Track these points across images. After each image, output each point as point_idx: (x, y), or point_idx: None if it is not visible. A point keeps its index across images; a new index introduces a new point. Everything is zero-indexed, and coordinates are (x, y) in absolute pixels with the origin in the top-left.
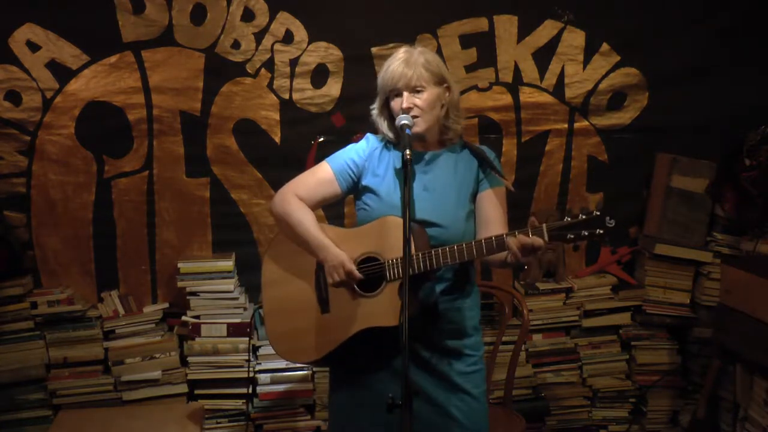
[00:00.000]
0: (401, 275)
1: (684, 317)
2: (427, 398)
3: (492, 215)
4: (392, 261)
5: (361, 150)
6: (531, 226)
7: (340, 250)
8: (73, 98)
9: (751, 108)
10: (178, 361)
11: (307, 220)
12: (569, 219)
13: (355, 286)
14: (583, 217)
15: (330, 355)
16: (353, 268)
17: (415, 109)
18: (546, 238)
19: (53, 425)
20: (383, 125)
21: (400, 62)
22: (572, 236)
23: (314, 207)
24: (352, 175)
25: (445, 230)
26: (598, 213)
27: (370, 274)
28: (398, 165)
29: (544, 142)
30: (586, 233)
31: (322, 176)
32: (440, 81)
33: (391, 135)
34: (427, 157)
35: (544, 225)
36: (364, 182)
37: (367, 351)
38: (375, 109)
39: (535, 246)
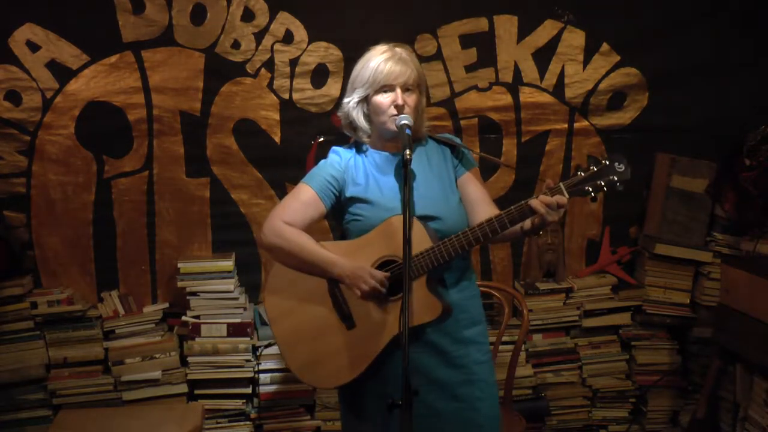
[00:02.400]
0: (425, 270)
1: (684, 317)
2: (451, 394)
3: (478, 196)
4: (413, 258)
5: (336, 164)
6: (548, 187)
7: (353, 261)
8: (73, 98)
9: (751, 108)
10: (178, 361)
11: (307, 243)
12: (582, 173)
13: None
14: (594, 168)
15: (366, 369)
16: (381, 275)
17: (406, 107)
18: (566, 194)
19: (53, 425)
20: (360, 118)
21: (395, 59)
22: (589, 188)
23: (303, 230)
24: (334, 191)
25: (444, 221)
26: (608, 162)
27: (391, 278)
28: (375, 169)
29: (544, 142)
30: (602, 183)
31: (306, 198)
32: (421, 84)
33: (367, 128)
34: (399, 156)
35: (561, 183)
36: (347, 194)
37: (388, 355)
38: (350, 102)
39: (560, 203)
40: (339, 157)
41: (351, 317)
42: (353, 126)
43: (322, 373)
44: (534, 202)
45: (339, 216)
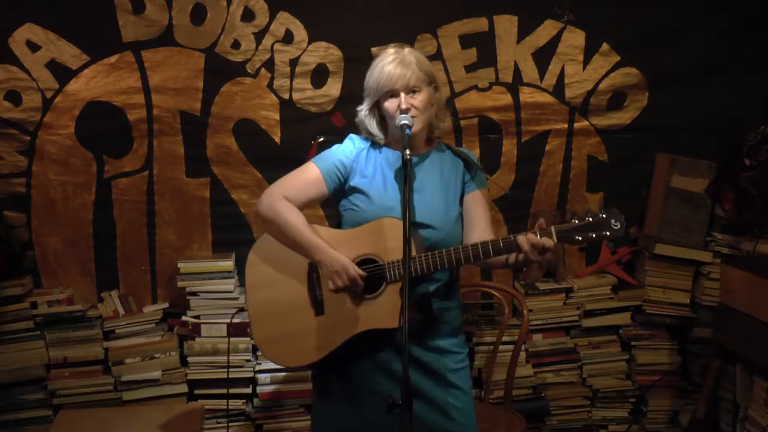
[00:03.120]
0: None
1: (684, 317)
2: (424, 397)
3: (480, 216)
4: (393, 262)
5: (348, 151)
6: (539, 228)
7: (337, 252)
8: (73, 98)
9: (751, 108)
10: (178, 361)
11: (298, 222)
12: (576, 221)
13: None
14: (590, 219)
15: (325, 359)
16: (357, 274)
17: (413, 109)
18: (555, 239)
19: (53, 425)
20: (372, 125)
21: (395, 63)
22: (579, 237)
23: (301, 208)
24: (340, 176)
25: (437, 232)
26: (605, 215)
27: (369, 276)
28: (387, 166)
29: (544, 142)
30: (593, 235)
31: (310, 177)
32: (431, 81)
33: (381, 135)
34: (415, 158)
35: (552, 227)
36: (351, 183)
37: (360, 353)
38: (363, 110)
39: (546, 246)
40: (353, 146)
41: (321, 304)
42: (368, 132)
43: (282, 351)
44: (521, 239)
45: (338, 201)
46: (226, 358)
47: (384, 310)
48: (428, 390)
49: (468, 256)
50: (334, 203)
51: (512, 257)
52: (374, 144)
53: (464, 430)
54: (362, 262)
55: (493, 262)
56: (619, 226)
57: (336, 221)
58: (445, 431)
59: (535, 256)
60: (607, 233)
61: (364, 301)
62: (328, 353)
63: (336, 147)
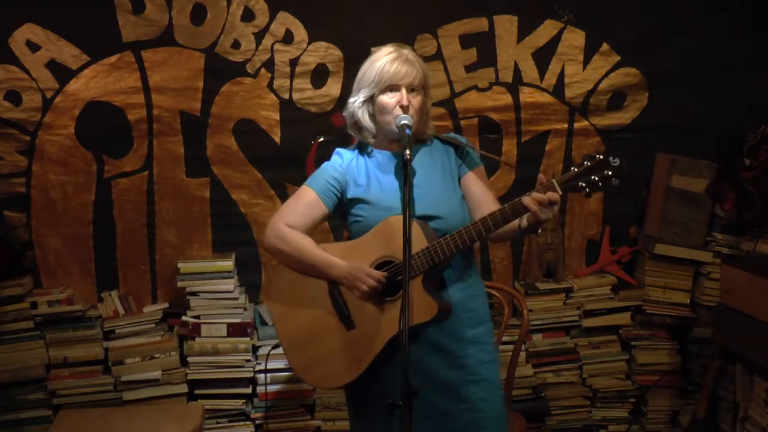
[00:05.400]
0: (422, 269)
1: (684, 317)
2: (455, 394)
3: (482, 195)
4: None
5: (337, 165)
6: (540, 183)
7: (351, 262)
8: (73, 98)
9: (751, 108)
10: (178, 361)
11: (306, 245)
12: (575, 169)
13: (376, 293)
14: (588, 163)
15: (367, 369)
16: (377, 272)
17: (411, 108)
18: (559, 191)
19: (53, 425)
20: (365, 118)
21: (401, 60)
22: (583, 184)
23: (306, 232)
24: (336, 192)
25: (446, 220)
26: (601, 156)
27: (389, 278)
28: (378, 169)
29: (544, 142)
30: (596, 178)
31: (307, 200)
32: (426, 86)
33: (373, 128)
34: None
35: (554, 180)
36: (349, 195)
37: (391, 355)
38: (356, 101)
39: (552, 200)
40: (341, 159)
41: (350, 318)
42: (358, 126)
43: (323, 374)
44: (526, 200)
45: (344, 218)
46: (226, 358)
47: (413, 306)
48: (461, 385)
49: (479, 230)
50: (339, 221)
51: (523, 221)
52: (361, 150)
53: (494, 423)
54: (380, 266)
55: (507, 232)
56: (618, 162)
57: (345, 236)
58: (476, 426)
59: (545, 214)
60: (608, 172)
61: (390, 304)
62: (369, 363)
63: (325, 165)
